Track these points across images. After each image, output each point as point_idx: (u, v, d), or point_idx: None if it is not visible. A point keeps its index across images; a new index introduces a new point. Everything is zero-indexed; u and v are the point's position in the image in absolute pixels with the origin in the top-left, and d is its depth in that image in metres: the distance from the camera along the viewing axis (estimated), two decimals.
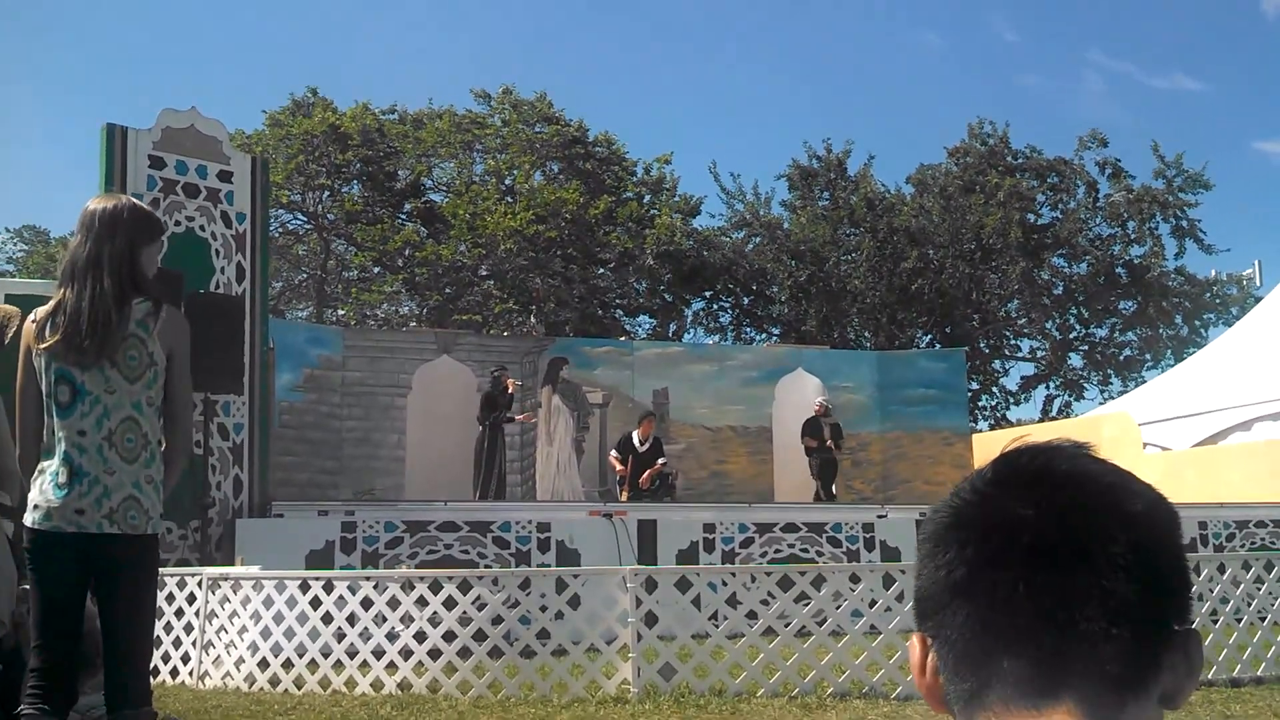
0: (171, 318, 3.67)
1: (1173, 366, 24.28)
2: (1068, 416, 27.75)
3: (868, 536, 11.73)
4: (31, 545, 3.50)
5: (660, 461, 14.36)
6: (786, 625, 7.25)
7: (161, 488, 3.63)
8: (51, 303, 3.57)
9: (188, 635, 7.76)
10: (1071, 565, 0.88)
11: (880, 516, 12.21)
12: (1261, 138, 55.43)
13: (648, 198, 28.36)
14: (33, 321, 3.57)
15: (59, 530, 3.44)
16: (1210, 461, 14.35)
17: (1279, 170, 48.61)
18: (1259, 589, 7.96)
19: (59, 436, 3.50)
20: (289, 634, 7.45)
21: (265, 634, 7.48)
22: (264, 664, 7.42)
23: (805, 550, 11.49)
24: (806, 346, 22.01)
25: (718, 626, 7.36)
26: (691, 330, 29.10)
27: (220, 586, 7.78)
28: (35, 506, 3.48)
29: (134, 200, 3.81)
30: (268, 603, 7.54)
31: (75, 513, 3.45)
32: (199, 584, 7.86)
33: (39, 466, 3.53)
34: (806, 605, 7.39)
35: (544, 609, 7.43)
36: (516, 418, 15.26)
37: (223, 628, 7.69)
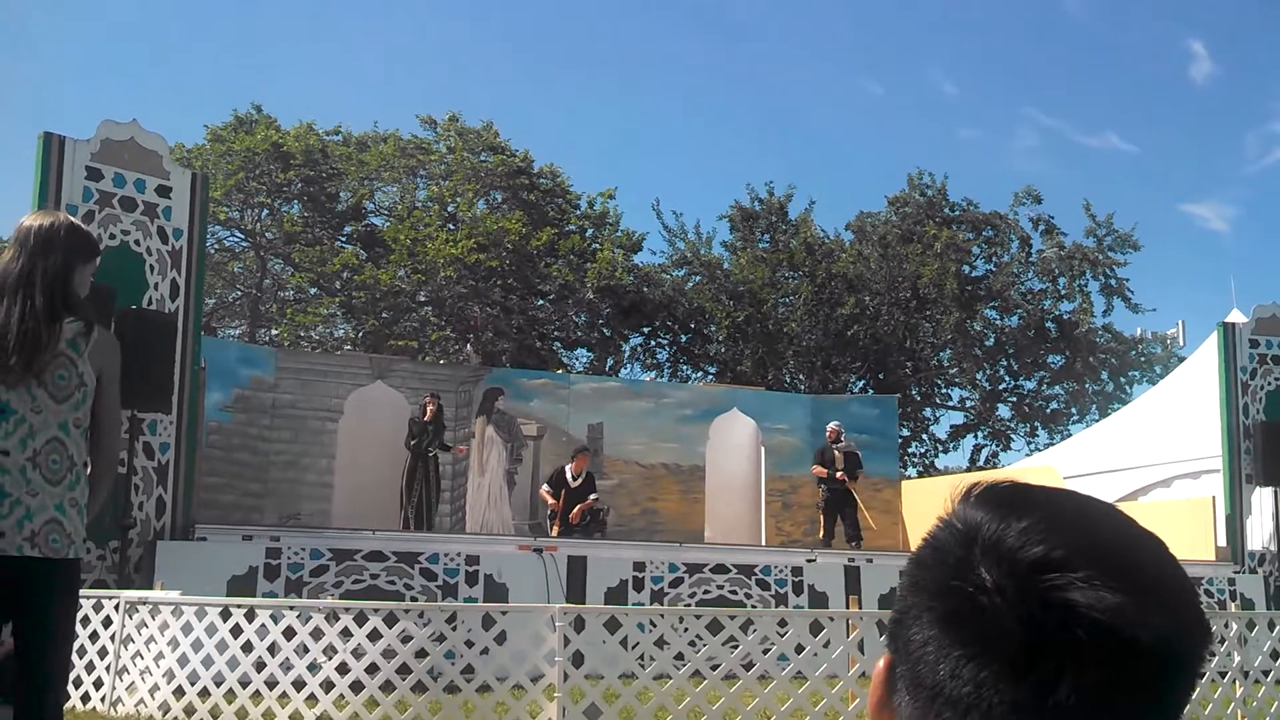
0: (103, 339, 3.61)
1: (1098, 421, 24.79)
2: (995, 466, 28.15)
3: (796, 580, 11.77)
4: None
5: (592, 497, 14.30)
6: (714, 668, 7.24)
7: (85, 511, 3.54)
8: None
9: (101, 660, 7.56)
10: None
11: (809, 560, 12.26)
12: (1187, 200, 57.05)
13: (590, 231, 28.41)
14: None
15: None
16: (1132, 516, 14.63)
17: (1203, 232, 50.00)
18: None
19: None
20: (207, 662, 7.29)
21: (183, 661, 7.31)
22: (179, 692, 7.25)
23: (734, 592, 11.49)
24: (742, 387, 22.14)
25: (645, 668, 7.33)
26: (628, 366, 29.15)
27: (138, 611, 7.60)
28: None
29: (72, 219, 3.74)
30: (186, 629, 7.38)
31: None
32: (116, 607, 7.66)
33: None
34: (735, 649, 7.39)
35: (470, 644, 7.35)
36: (453, 449, 15.15)
37: (139, 653, 7.50)
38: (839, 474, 14.99)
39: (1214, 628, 0.78)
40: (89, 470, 3.60)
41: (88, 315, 3.58)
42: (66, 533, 3.45)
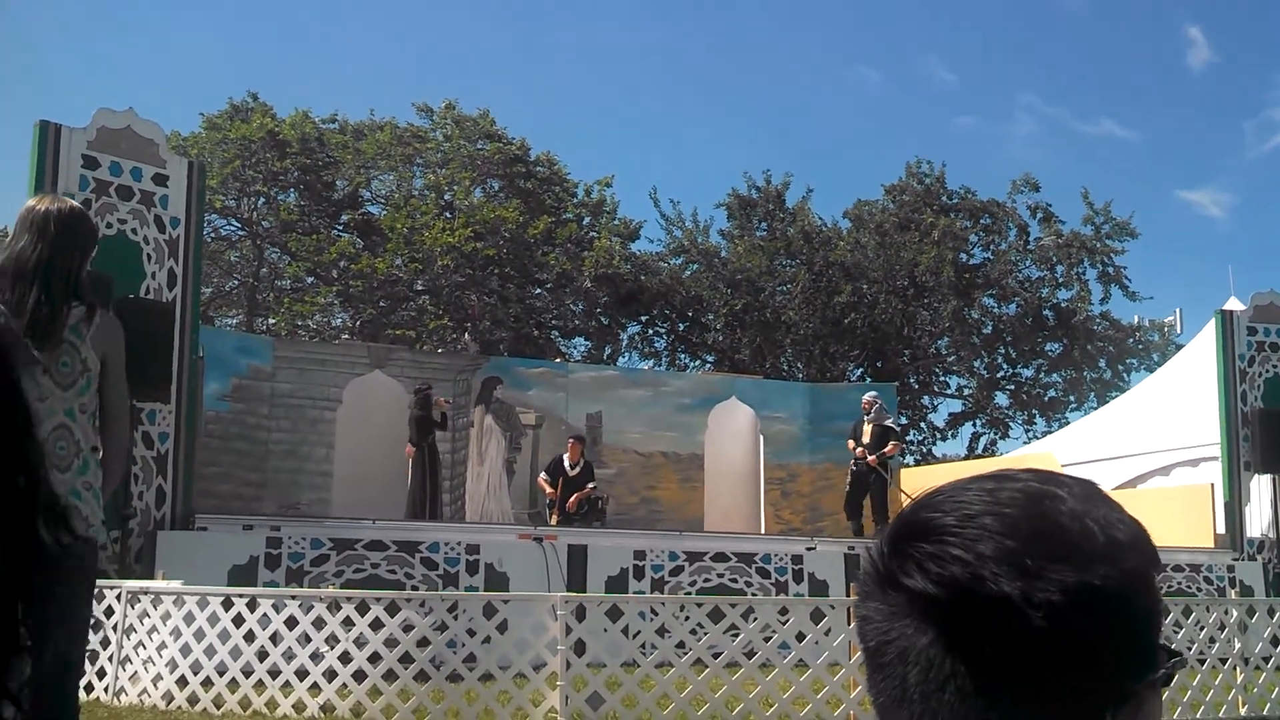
0: (105, 323, 3.59)
1: (1095, 409, 24.81)
2: (993, 454, 28.20)
3: (796, 569, 11.78)
4: None
5: (590, 485, 14.30)
6: (716, 656, 7.24)
7: (100, 494, 3.53)
8: None
9: (104, 650, 7.55)
10: None
11: (809, 549, 12.27)
12: (1185, 187, 57.07)
13: (587, 220, 28.37)
14: None
15: None
16: (1130, 505, 14.39)
17: (1201, 219, 50.08)
18: (1178, 633, 8.11)
19: None
20: (209, 651, 7.28)
21: (185, 651, 7.31)
22: (183, 682, 7.25)
23: (734, 580, 11.50)
24: (741, 375, 22.12)
25: (647, 656, 7.33)
26: (626, 354, 29.15)
27: (140, 601, 7.59)
28: None
29: (78, 205, 3.72)
30: (189, 619, 7.37)
31: None
32: (118, 597, 7.66)
33: None
34: (736, 637, 7.38)
35: (472, 633, 7.35)
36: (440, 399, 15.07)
37: (141, 643, 7.50)
38: (859, 450, 14.31)
39: (1144, 597, 0.79)
40: (100, 454, 3.58)
41: (91, 300, 3.57)
42: (83, 516, 3.44)
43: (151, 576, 8.52)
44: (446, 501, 15.52)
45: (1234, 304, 16.35)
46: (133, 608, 7.63)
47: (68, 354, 3.47)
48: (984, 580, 0.77)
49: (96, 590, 7.63)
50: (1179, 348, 24.58)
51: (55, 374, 3.45)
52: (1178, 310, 29.79)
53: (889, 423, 14.83)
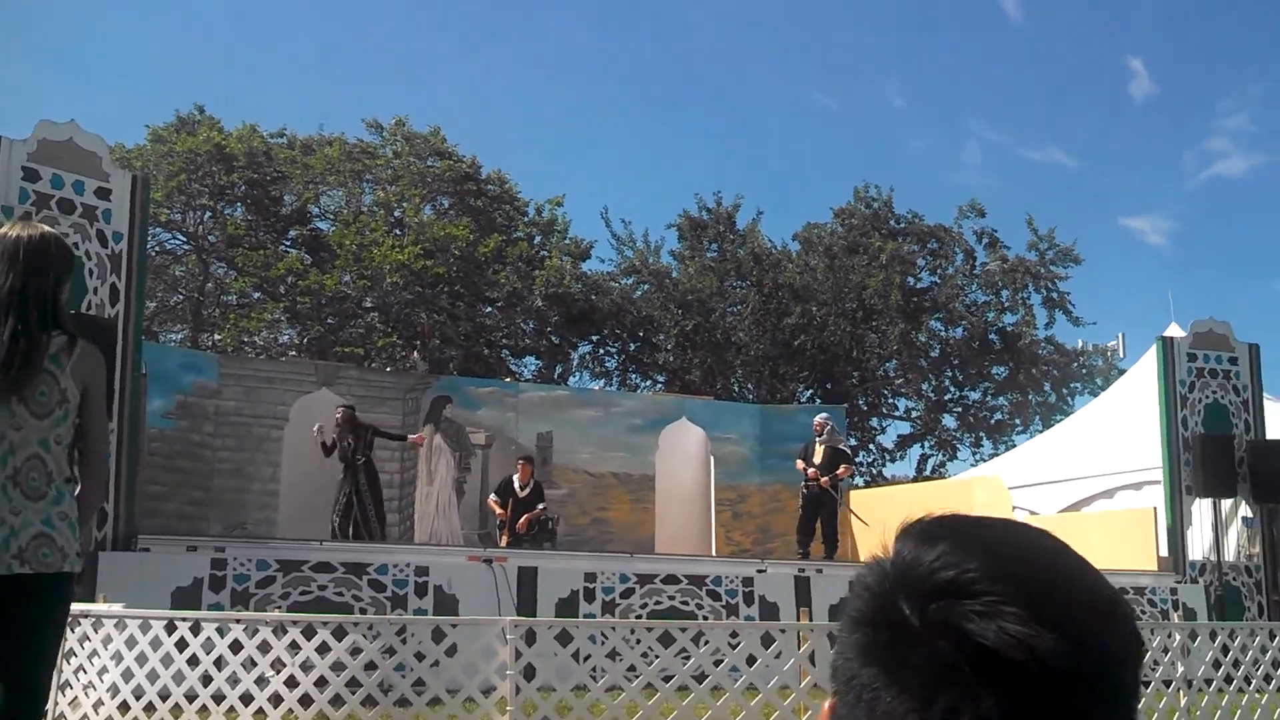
0: (86, 353, 3.52)
1: (1041, 432, 25.11)
2: (942, 476, 28.44)
3: (747, 591, 11.78)
4: None
5: (540, 506, 14.22)
6: (666, 680, 7.21)
7: (76, 525, 3.46)
8: None
9: None
10: None
11: (760, 571, 12.28)
12: (1127, 214, 58.12)
13: (538, 239, 28.33)
14: None
15: None
16: (1075, 527, 14.81)
17: (1143, 246, 50.95)
18: None
19: None
20: (152, 676, 7.13)
21: (127, 676, 7.15)
22: (124, 707, 7.09)
23: (686, 603, 11.48)
24: (691, 396, 22.16)
25: (597, 680, 7.29)
26: (577, 374, 29.10)
27: (80, 624, 7.41)
28: None
29: (55, 231, 3.66)
30: (130, 643, 7.21)
31: None
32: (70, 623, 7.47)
33: None
34: (687, 661, 7.36)
35: (420, 657, 7.25)
36: (410, 436, 14.82)
37: (81, 668, 7.32)
38: (811, 470, 14.26)
39: (1144, 644, 0.81)
40: (79, 486, 3.52)
41: (71, 329, 3.50)
42: (58, 546, 3.37)
43: (92, 599, 8.32)
44: (395, 521, 15.37)
45: (1175, 330, 16.64)
46: (73, 631, 7.45)
47: (46, 383, 3.40)
48: (1042, 640, 0.75)
49: None
50: (1122, 372, 24.98)
51: (32, 403, 3.39)
52: (1120, 335, 30.33)
53: (841, 445, 14.92)
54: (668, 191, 56.30)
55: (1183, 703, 8.25)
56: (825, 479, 14.25)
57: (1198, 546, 14.15)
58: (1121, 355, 29.58)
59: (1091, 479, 17.40)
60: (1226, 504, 14.26)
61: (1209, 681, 8.45)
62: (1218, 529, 14.03)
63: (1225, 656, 8.46)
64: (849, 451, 15.23)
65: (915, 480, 28.19)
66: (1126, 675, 0.79)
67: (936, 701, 0.75)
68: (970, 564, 0.78)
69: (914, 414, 30.86)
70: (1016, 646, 0.74)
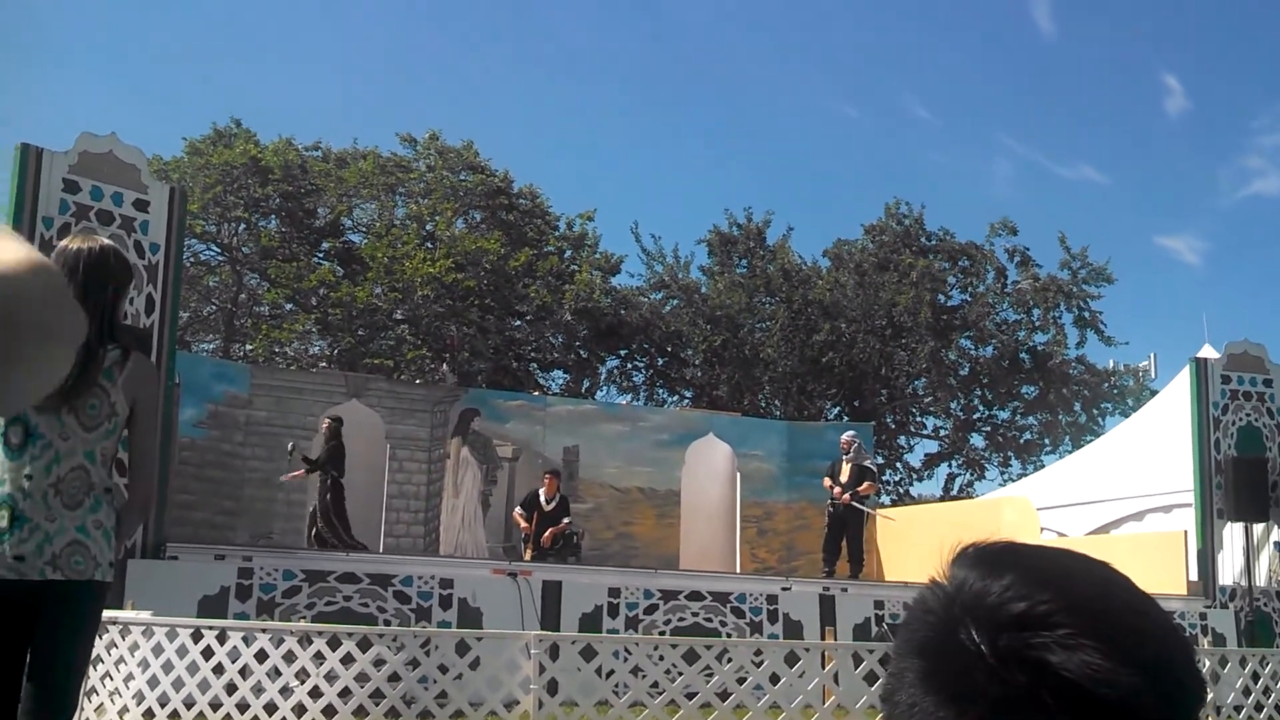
0: (139, 366, 3.58)
1: (1071, 453, 24.92)
2: (969, 496, 28.26)
3: (771, 609, 11.74)
4: None
5: (565, 521, 14.22)
6: (690, 697, 7.21)
7: (113, 534, 3.50)
8: None
9: None
10: None
11: (785, 589, 12.25)
12: (1161, 233, 57.71)
13: (569, 253, 28.42)
14: None
15: None
16: (1104, 550, 14.63)
17: (1177, 265, 50.57)
18: None
19: (1, 478, 3.36)
20: (178, 684, 7.20)
21: (153, 683, 7.22)
22: (149, 714, 7.16)
23: (709, 620, 11.45)
24: (718, 412, 22.15)
25: (620, 696, 7.30)
26: (604, 388, 29.13)
27: (108, 631, 7.50)
28: None
29: (115, 245, 3.72)
30: (157, 650, 7.29)
31: (15, 559, 3.31)
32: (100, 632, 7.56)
33: None
34: (711, 678, 7.36)
35: (444, 670, 7.29)
36: (282, 479, 14.70)
37: (108, 674, 7.40)
38: (836, 489, 14.31)
39: (1205, 684, 0.82)
40: (126, 498, 3.59)
41: (126, 342, 3.55)
42: (91, 555, 3.42)
43: (120, 606, 8.41)
44: (421, 533, 15.44)
45: (1208, 351, 16.49)
46: (100, 638, 7.53)
47: (96, 396, 3.46)
48: (1126, 676, 0.75)
49: None
50: (1153, 393, 24.76)
51: (82, 415, 3.44)
52: (1152, 355, 30.06)
53: (867, 463, 14.89)
54: (698, 207, 56.42)
55: None
56: (848, 495, 14.24)
57: (1228, 571, 14.00)
58: (1153, 376, 29.34)
59: (1121, 501, 17.24)
60: (1259, 528, 14.10)
61: (1239, 709, 8.37)
62: (1249, 554, 13.87)
63: (1255, 684, 8.37)
64: (875, 469, 15.16)
65: (942, 499, 28.03)
66: (1195, 714, 0.79)
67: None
68: (1042, 596, 0.77)
69: (942, 433, 30.71)
70: (1101, 682, 0.74)
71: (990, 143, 49.84)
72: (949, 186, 47.38)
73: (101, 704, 7.38)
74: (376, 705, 7.03)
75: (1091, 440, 24.58)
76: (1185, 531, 14.27)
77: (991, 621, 0.77)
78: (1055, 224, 52.38)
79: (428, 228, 26.82)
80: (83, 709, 7.36)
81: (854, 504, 14.30)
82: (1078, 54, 48.12)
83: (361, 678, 7.09)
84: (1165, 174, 49.41)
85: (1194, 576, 13.92)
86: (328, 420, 14.18)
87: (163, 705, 7.17)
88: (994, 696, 0.75)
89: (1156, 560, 13.96)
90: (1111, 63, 48.58)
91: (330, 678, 7.08)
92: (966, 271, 30.34)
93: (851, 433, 15.26)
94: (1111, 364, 30.53)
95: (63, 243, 3.61)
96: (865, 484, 14.60)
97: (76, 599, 3.40)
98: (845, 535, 14.38)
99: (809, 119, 47.88)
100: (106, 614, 7.76)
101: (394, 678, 7.17)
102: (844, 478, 14.41)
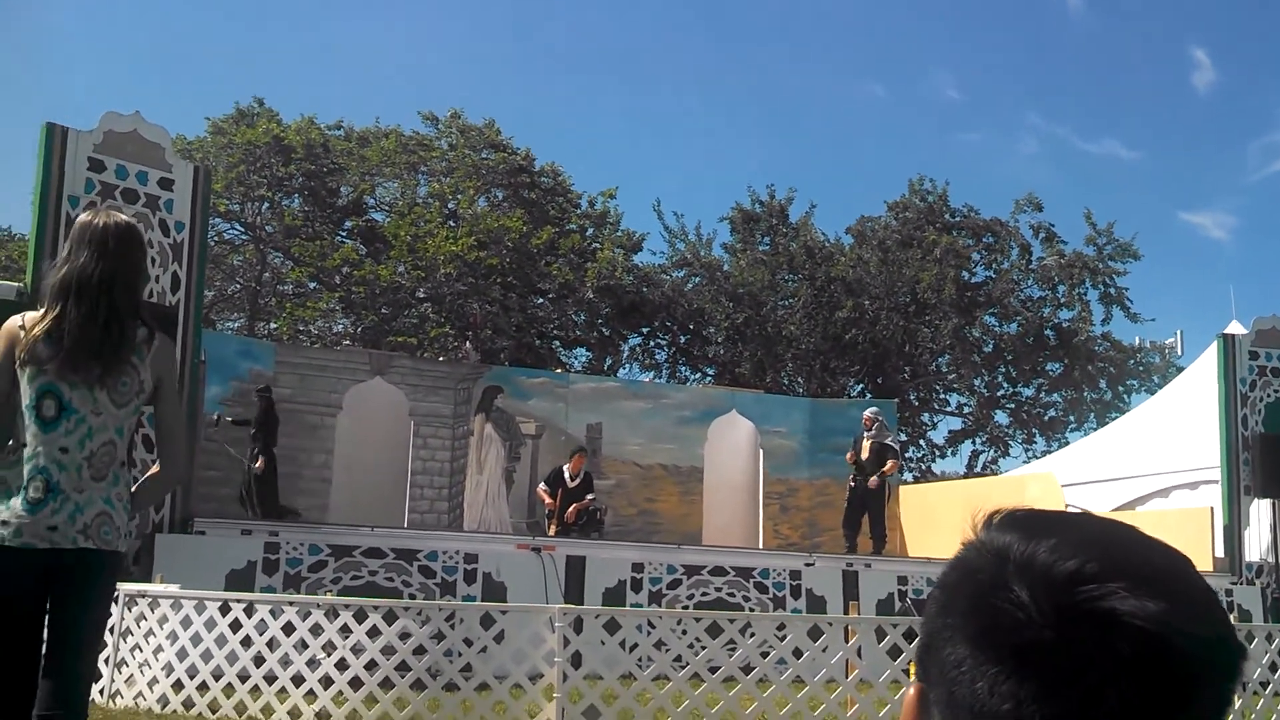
0: (163, 345, 3.67)
1: (1095, 430, 24.79)
2: (993, 473, 28.16)
3: (794, 584, 11.76)
4: None
5: (589, 497, 14.29)
6: (713, 671, 7.23)
7: (129, 507, 3.59)
8: (48, 316, 3.48)
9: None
10: None
11: (808, 564, 12.26)
12: (1187, 208, 57.14)
13: (591, 231, 28.39)
14: (20, 328, 3.47)
15: (31, 546, 3.38)
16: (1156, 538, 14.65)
17: (1204, 241, 50.08)
18: None
19: (36, 450, 3.42)
20: (206, 656, 7.27)
21: (181, 655, 7.30)
22: (178, 686, 7.24)
23: (732, 595, 11.48)
24: (741, 389, 22.12)
25: (644, 669, 7.32)
26: (627, 366, 29.15)
27: (137, 603, 7.58)
28: (3, 523, 3.38)
29: (131, 219, 3.76)
30: (186, 623, 7.37)
31: (48, 529, 3.39)
32: (115, 600, 7.64)
33: (1, 477, 3.43)
34: (734, 652, 7.38)
35: (469, 643, 7.33)
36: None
37: (137, 646, 7.49)
38: (849, 455, 14.48)
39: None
40: (157, 472, 3.71)
41: (150, 321, 3.61)
42: (116, 526, 3.52)
43: (149, 579, 8.50)
44: (445, 509, 15.52)
45: (1236, 328, 16.35)
46: (129, 610, 7.62)
47: (127, 373, 3.53)
48: (1190, 625, 0.76)
49: None
50: (1180, 370, 24.57)
51: (114, 392, 3.51)
52: (1179, 332, 29.79)
53: (888, 440, 14.85)
54: (721, 184, 56.20)
55: (1237, 705, 8.13)
56: (874, 480, 14.24)
57: (1255, 548, 13.92)
58: (1180, 352, 29.09)
59: (1146, 478, 17.16)
60: None
61: (1265, 685, 8.33)
62: (1275, 530, 13.79)
63: None
64: (897, 447, 15.15)
65: (966, 477, 27.95)
66: (1241, 670, 0.80)
67: (1073, 687, 0.75)
68: (1088, 555, 0.78)
69: (966, 410, 30.60)
70: (1176, 630, 0.75)
71: (1017, 120, 49.41)
72: (974, 164, 47.05)
73: (131, 675, 7.46)
74: (402, 677, 7.08)
75: (1117, 417, 24.42)
76: (1211, 508, 14.20)
77: (1046, 579, 0.77)
78: (1081, 201, 51.91)
79: (450, 206, 26.85)
80: (113, 680, 7.46)
81: (877, 487, 14.29)
82: (1105, 29, 47.62)
83: (387, 650, 7.14)
84: (1193, 149, 48.89)
85: (1220, 553, 13.85)
86: (257, 392, 13.96)
87: (191, 677, 7.25)
88: (1057, 651, 0.76)
89: (1182, 536, 13.88)
90: (1140, 37, 48.05)
91: (356, 650, 7.13)
92: (991, 248, 30.17)
93: (874, 409, 15.23)
94: (1137, 341, 30.34)
95: (84, 217, 3.65)
96: (890, 463, 14.59)
97: (103, 568, 3.50)
98: (867, 511, 14.39)
99: (834, 97, 47.62)
100: (136, 587, 7.86)
101: (419, 650, 7.22)
102: (865, 455, 14.41)
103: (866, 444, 14.44)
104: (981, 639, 0.79)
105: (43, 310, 3.50)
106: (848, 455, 14.74)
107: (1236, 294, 32.79)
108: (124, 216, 3.71)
